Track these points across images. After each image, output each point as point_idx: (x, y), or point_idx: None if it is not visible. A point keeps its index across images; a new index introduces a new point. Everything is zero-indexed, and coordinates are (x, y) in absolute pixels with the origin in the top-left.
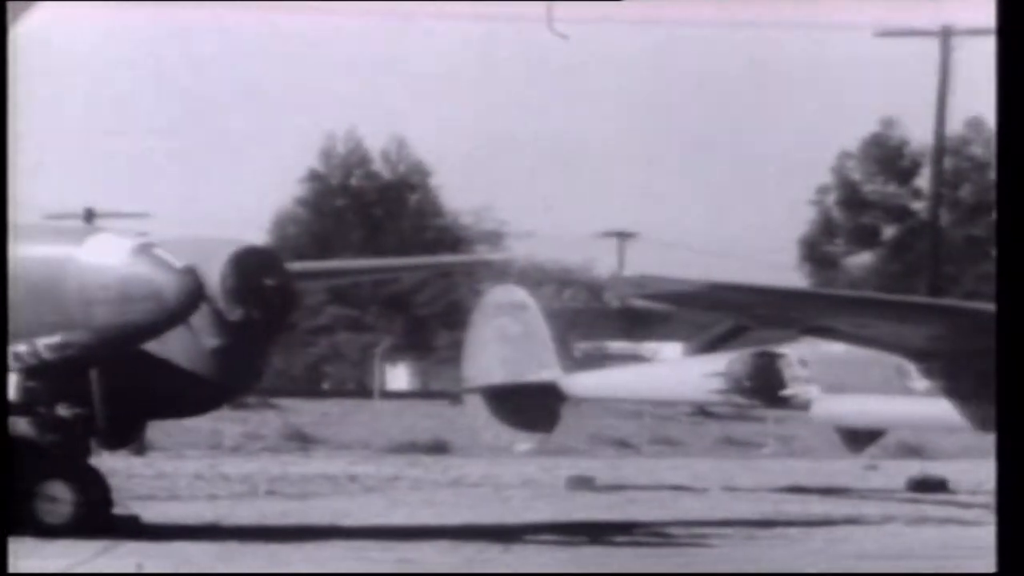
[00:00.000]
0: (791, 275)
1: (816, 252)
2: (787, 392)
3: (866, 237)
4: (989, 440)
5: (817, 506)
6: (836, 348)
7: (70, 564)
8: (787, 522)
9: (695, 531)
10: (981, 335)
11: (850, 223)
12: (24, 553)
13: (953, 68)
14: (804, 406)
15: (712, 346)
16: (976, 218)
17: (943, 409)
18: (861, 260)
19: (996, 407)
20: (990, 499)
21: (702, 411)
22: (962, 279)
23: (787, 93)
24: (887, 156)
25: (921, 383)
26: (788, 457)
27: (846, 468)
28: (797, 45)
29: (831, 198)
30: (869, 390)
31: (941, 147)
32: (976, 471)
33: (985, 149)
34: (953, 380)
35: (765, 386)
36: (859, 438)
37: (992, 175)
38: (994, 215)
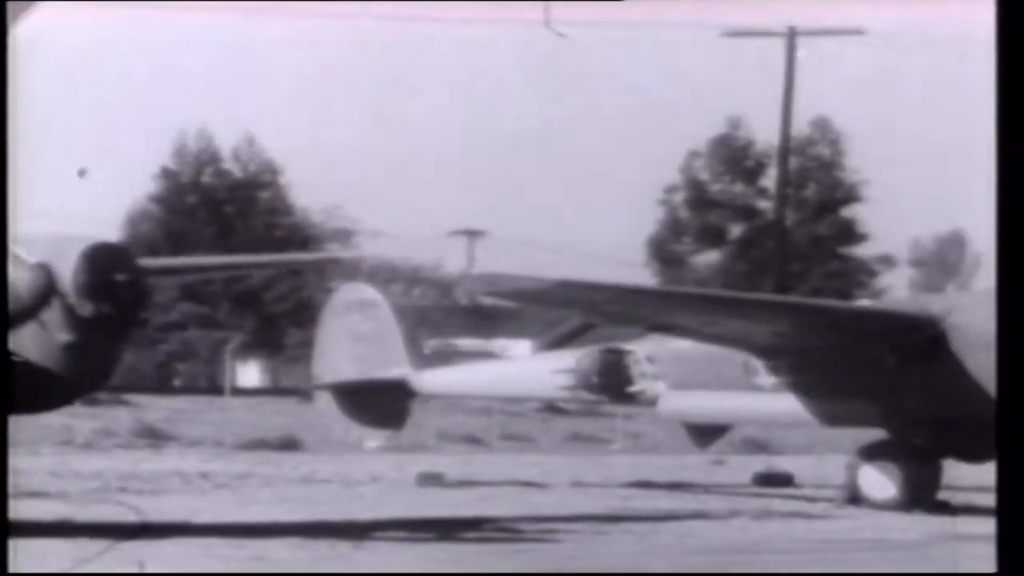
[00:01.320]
0: (639, 273)
1: (664, 250)
2: (634, 388)
3: (713, 236)
4: (834, 435)
5: (664, 501)
6: (683, 345)
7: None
8: (635, 517)
9: (544, 527)
10: (826, 332)
11: (697, 222)
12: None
13: (798, 68)
14: (651, 402)
15: (560, 343)
16: (821, 217)
17: (789, 405)
18: (708, 258)
19: (996, 407)
20: (835, 493)
21: (551, 407)
22: (808, 277)
23: (636, 92)
24: (734, 156)
25: (767, 379)
26: (636, 453)
27: (693, 463)
28: (645, 44)
29: (679, 197)
30: (716, 386)
31: (786, 147)
32: (822, 466)
33: (830, 148)
34: (799, 376)
35: (613, 382)
36: (706, 434)
37: (837, 174)
38: (840, 213)
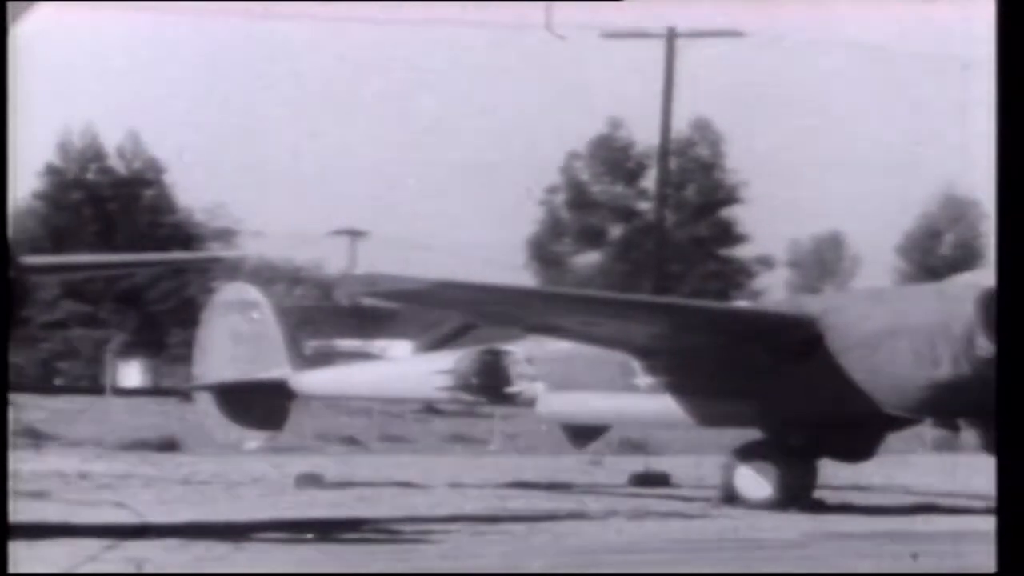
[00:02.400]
0: (519, 274)
1: (544, 251)
2: (513, 389)
3: (593, 237)
4: (711, 435)
5: (542, 502)
6: (562, 346)
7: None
8: (512, 517)
9: (421, 527)
10: (704, 333)
11: (577, 223)
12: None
13: (677, 70)
14: (530, 403)
15: (440, 344)
16: (700, 218)
17: (666, 405)
18: (588, 259)
19: (996, 407)
20: (711, 493)
21: (430, 408)
22: (687, 278)
23: (518, 93)
24: (614, 157)
25: (645, 380)
26: (514, 453)
27: (571, 464)
28: (527, 44)
29: (559, 198)
30: (594, 387)
31: (666, 148)
32: (699, 466)
33: (710, 150)
34: (676, 377)
35: (491, 383)
36: (583, 434)
37: (716, 176)
38: (719, 214)
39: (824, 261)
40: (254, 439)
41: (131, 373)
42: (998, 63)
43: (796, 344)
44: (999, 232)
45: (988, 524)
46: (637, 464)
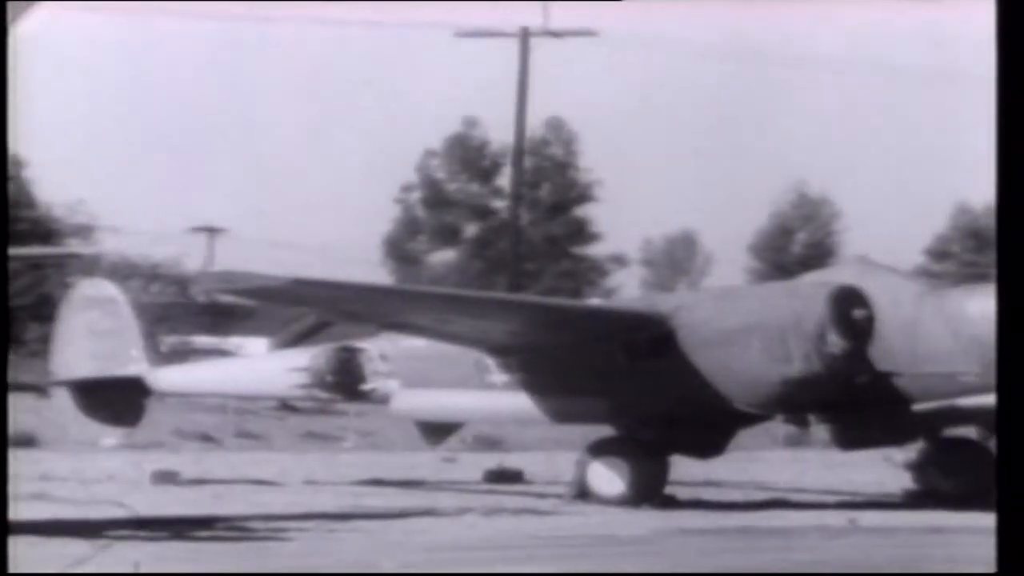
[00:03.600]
0: (375, 271)
1: (400, 249)
2: (368, 386)
3: (449, 235)
4: (565, 432)
5: (396, 499)
6: (417, 343)
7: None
8: (366, 515)
9: (275, 525)
10: (558, 330)
11: (433, 221)
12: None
13: (531, 69)
14: (384, 400)
15: (296, 341)
16: (555, 217)
17: (521, 402)
18: (444, 257)
19: (996, 407)
20: (565, 489)
21: (285, 405)
22: (541, 276)
23: (375, 91)
24: (469, 156)
25: (500, 377)
26: (369, 450)
27: (425, 461)
28: (385, 43)
29: (415, 196)
30: (448, 384)
31: (521, 147)
32: (552, 462)
33: (564, 149)
34: (531, 374)
35: (346, 381)
36: (438, 431)
37: (570, 175)
38: (573, 213)
39: (677, 260)
40: (110, 436)
41: None
42: (998, 62)
43: (649, 342)
44: (999, 232)
45: (839, 519)
46: (491, 461)
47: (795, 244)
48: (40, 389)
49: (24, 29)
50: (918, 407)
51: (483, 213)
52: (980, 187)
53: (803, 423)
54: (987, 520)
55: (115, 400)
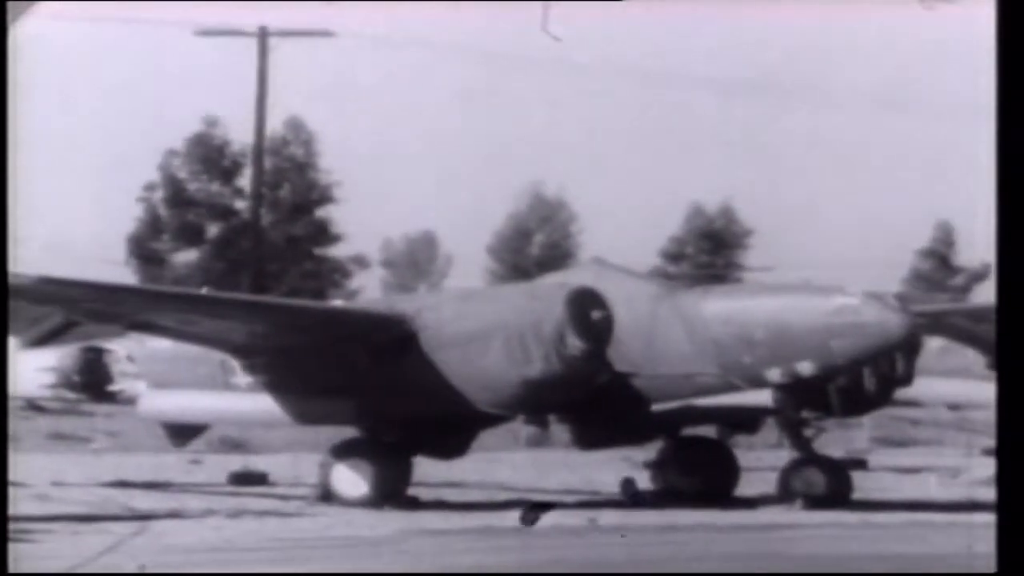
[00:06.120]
0: (120, 271)
1: (143, 248)
2: (115, 387)
3: (191, 235)
4: (309, 433)
5: (142, 500)
6: (163, 344)
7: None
8: (112, 516)
9: (21, 527)
10: (301, 331)
11: (176, 220)
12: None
13: (272, 69)
14: (132, 401)
15: (43, 341)
16: (296, 218)
17: (265, 404)
18: (187, 257)
19: (996, 406)
20: (309, 491)
21: (32, 406)
22: (284, 277)
23: (120, 89)
24: (210, 155)
25: (244, 379)
26: (116, 452)
27: (171, 462)
28: (130, 42)
29: (158, 195)
30: (194, 386)
31: (260, 147)
32: (297, 464)
33: (304, 150)
34: (275, 375)
35: (93, 381)
36: (183, 433)
37: (310, 175)
38: (314, 214)
39: (417, 261)
40: None
41: None
42: (998, 62)
43: (392, 343)
44: (999, 233)
45: (579, 519)
46: (236, 463)
47: (533, 246)
48: None
49: (24, 29)
50: (656, 407)
51: (225, 213)
52: (713, 188)
53: (543, 424)
54: (725, 518)
55: None
